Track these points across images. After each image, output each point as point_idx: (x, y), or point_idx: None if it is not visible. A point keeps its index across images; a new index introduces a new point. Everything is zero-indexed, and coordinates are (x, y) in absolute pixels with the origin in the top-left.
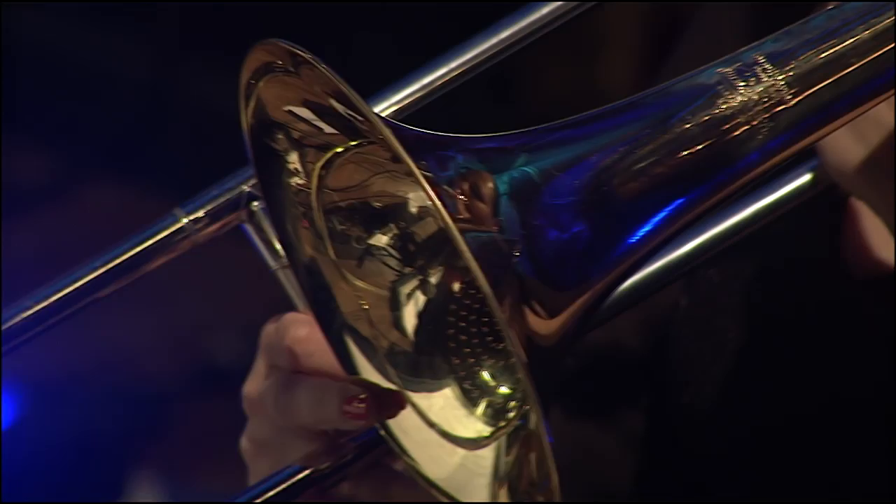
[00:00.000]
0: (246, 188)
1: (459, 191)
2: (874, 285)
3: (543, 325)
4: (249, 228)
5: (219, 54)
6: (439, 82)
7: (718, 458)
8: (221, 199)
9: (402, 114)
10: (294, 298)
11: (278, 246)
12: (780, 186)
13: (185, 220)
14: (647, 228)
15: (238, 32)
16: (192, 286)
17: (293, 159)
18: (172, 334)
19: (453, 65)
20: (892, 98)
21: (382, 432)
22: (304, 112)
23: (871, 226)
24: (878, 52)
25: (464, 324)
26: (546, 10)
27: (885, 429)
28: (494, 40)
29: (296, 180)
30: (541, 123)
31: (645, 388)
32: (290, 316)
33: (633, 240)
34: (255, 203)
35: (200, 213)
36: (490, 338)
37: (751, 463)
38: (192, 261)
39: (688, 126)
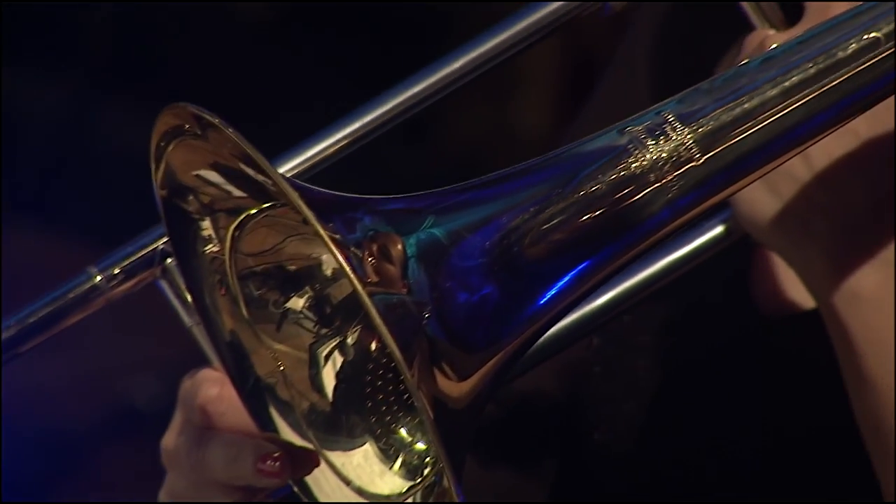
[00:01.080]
0: (160, 245)
1: (368, 253)
2: (783, 325)
3: (454, 387)
4: (164, 285)
5: (142, 102)
6: (354, 136)
7: (631, 494)
8: (136, 257)
9: (319, 167)
10: (209, 355)
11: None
12: (694, 238)
13: (99, 278)
14: (558, 289)
15: (163, 80)
16: (108, 328)
17: (206, 225)
18: (89, 376)
19: (369, 118)
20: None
21: (297, 489)
22: (213, 176)
23: (780, 267)
24: (785, 108)
25: (381, 382)
26: (458, 64)
27: (793, 463)
28: (408, 94)
29: (210, 248)
30: (456, 163)
31: (561, 429)
32: (204, 373)
33: (544, 300)
34: (170, 260)
35: (115, 271)
36: (406, 395)
37: (662, 498)
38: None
39: (598, 185)
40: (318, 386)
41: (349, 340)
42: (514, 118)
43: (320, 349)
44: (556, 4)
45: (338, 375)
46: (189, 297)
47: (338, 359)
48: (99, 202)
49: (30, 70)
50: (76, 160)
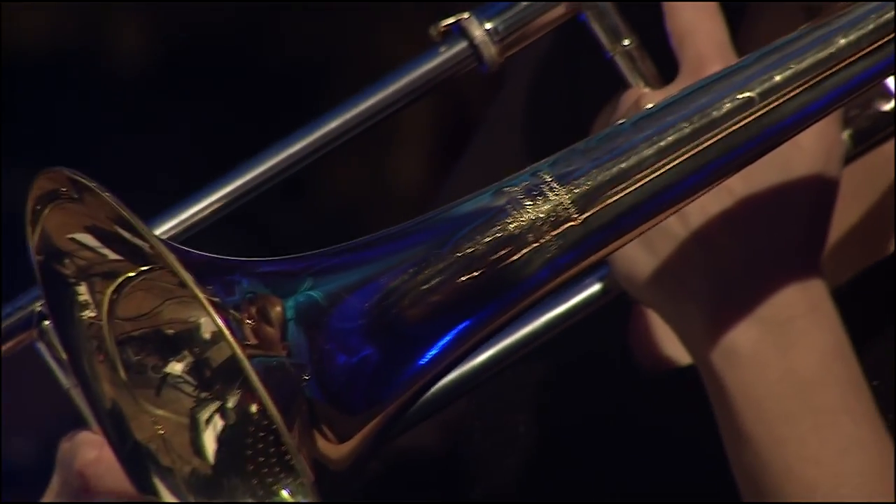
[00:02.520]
0: (37, 307)
1: (247, 315)
2: (661, 381)
3: (334, 449)
4: (41, 347)
5: (16, 161)
6: (231, 197)
7: None
8: (12, 319)
9: (196, 228)
10: (88, 417)
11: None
12: (571, 296)
13: None
14: (437, 350)
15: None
16: None
17: (83, 290)
18: None
19: (247, 178)
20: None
21: None
22: (89, 239)
23: (658, 325)
24: (661, 168)
25: (262, 445)
26: (335, 123)
27: None
28: (287, 153)
29: (87, 313)
30: (334, 219)
31: (441, 485)
32: (82, 436)
33: (424, 361)
34: (47, 322)
35: None
36: (288, 456)
37: None
38: None
39: (476, 246)
40: (198, 450)
41: (230, 404)
42: (392, 174)
43: (200, 413)
44: (435, 62)
45: (219, 439)
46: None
47: (218, 422)
48: None
49: None
50: None
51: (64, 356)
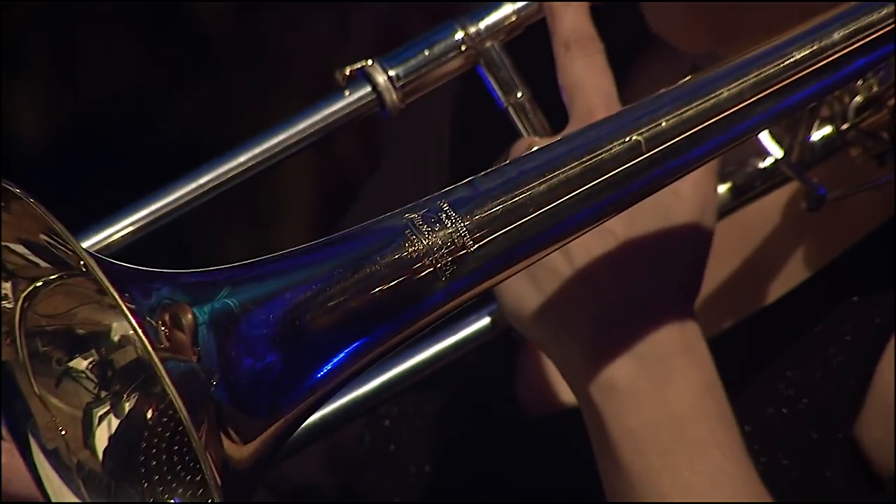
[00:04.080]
0: None
1: (161, 321)
2: (548, 421)
3: (237, 451)
4: None
5: None
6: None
7: None
8: None
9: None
10: None
11: None
12: (461, 329)
13: None
14: (335, 362)
15: None
16: None
17: (6, 287)
18: None
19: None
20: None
21: None
22: (17, 247)
23: (545, 364)
24: (551, 203)
25: (155, 450)
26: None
27: None
28: (214, 173)
29: (4, 304)
30: None
31: None
32: None
33: (322, 373)
34: None
35: None
36: (180, 466)
37: None
38: None
39: (377, 266)
40: (90, 446)
41: (126, 406)
42: (275, 242)
43: (96, 409)
44: (340, 104)
45: (111, 439)
46: None
47: (113, 422)
48: None
49: None
50: None
51: None
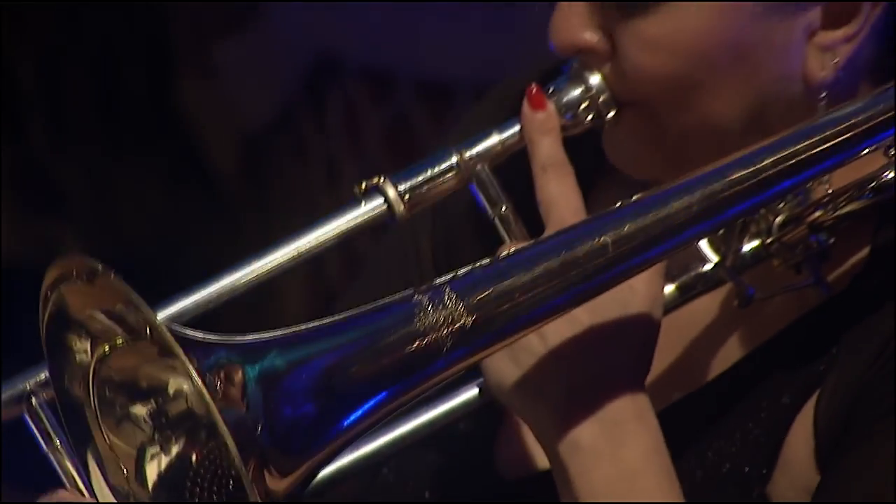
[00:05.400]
0: (28, 387)
1: (217, 378)
2: (524, 485)
3: (276, 483)
4: (29, 419)
5: None
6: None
7: None
8: (7, 393)
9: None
10: (64, 480)
11: (52, 434)
12: (452, 398)
13: None
14: (358, 414)
15: None
16: None
17: (86, 345)
18: None
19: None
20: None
21: None
22: (99, 315)
23: (522, 431)
24: (531, 292)
25: (199, 488)
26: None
27: None
28: (238, 275)
29: (81, 357)
30: None
31: None
32: (61, 493)
33: (347, 422)
34: (34, 400)
35: None
36: (218, 499)
37: None
38: None
39: (392, 338)
40: (140, 479)
41: (174, 448)
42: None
43: (149, 449)
44: (358, 211)
45: (160, 475)
46: (50, 430)
47: (163, 460)
48: None
49: None
50: None
51: (49, 430)
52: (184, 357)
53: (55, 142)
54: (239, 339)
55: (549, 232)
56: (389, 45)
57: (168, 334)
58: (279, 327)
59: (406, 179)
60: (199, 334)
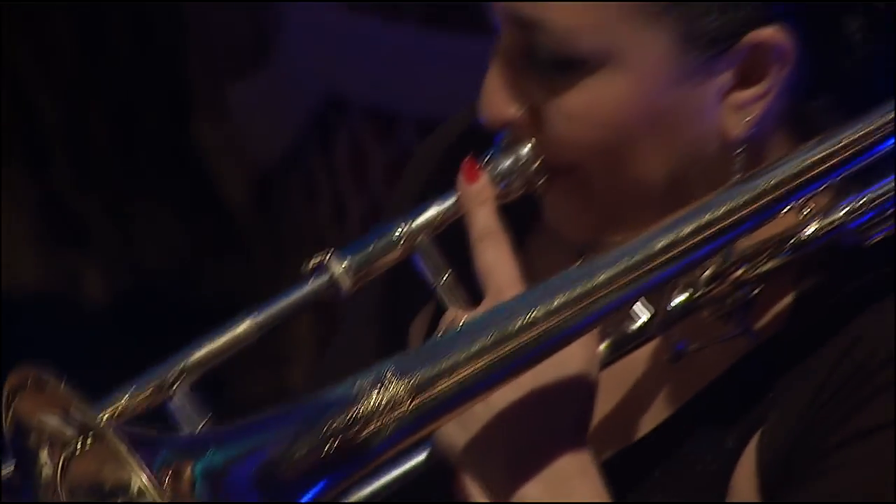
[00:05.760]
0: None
1: (166, 475)
2: None
3: None
4: None
5: None
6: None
7: None
8: None
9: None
10: None
11: None
12: (406, 462)
13: None
14: (304, 499)
15: None
16: None
17: (43, 454)
18: None
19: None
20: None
21: None
22: (52, 420)
23: (477, 493)
24: (471, 368)
25: None
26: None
27: None
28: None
29: (45, 471)
30: (244, 414)
31: None
32: None
33: None
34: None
35: None
36: None
37: None
38: None
39: (334, 425)
40: None
41: None
42: (289, 380)
43: None
44: (305, 290)
45: None
46: None
47: None
48: None
49: None
50: None
51: None
52: (132, 459)
53: (78, 177)
54: (182, 437)
55: (488, 300)
56: (393, 86)
57: (114, 437)
58: (289, 355)
59: (352, 253)
60: (143, 433)
